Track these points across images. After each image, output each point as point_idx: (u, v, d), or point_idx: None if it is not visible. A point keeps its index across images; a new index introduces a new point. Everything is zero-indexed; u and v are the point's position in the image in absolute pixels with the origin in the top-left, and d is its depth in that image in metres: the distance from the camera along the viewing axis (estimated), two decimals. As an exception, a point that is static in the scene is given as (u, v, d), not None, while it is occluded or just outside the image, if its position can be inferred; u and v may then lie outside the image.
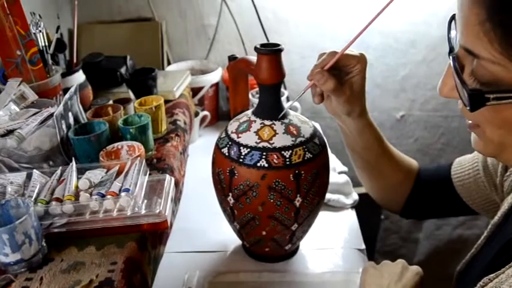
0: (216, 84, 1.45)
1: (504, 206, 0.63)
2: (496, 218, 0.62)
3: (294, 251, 0.89)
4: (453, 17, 0.51)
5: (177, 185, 0.88)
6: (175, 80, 1.23)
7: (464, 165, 0.79)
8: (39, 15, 0.94)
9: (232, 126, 0.77)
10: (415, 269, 0.67)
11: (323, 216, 0.94)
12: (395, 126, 1.64)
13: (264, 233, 0.77)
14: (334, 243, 0.92)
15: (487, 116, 0.48)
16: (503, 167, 0.71)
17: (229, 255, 0.89)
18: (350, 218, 1.00)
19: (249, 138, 0.72)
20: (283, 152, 0.71)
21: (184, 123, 1.10)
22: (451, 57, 0.48)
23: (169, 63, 1.51)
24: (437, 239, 1.86)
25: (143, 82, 1.10)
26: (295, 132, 0.73)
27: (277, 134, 0.72)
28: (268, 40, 1.46)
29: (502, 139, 0.49)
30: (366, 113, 0.78)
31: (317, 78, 0.68)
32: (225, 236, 0.91)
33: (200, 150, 1.20)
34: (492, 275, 0.51)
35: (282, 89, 1.43)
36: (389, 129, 1.65)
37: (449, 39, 0.51)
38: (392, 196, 0.87)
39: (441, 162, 1.71)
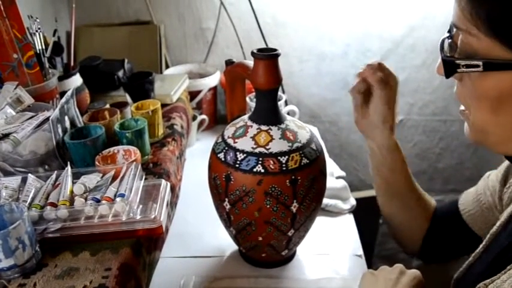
0: (214, 88, 1.45)
1: (503, 216, 0.62)
2: (495, 228, 0.62)
3: (291, 256, 0.88)
4: None
5: (173, 189, 0.87)
6: (173, 83, 1.22)
7: (469, 195, 0.80)
8: (37, 19, 0.94)
9: (229, 131, 0.77)
10: (413, 273, 0.65)
11: (320, 222, 0.93)
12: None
13: (260, 238, 0.77)
14: (331, 249, 0.91)
15: (467, 90, 0.53)
16: (501, 183, 0.71)
17: (226, 261, 0.89)
18: (348, 223, 1.00)
19: (245, 144, 0.72)
20: (279, 158, 0.70)
21: (181, 127, 1.10)
22: (445, 37, 0.54)
23: (167, 67, 1.50)
24: (436, 243, 1.85)
25: (140, 86, 1.09)
26: (291, 137, 0.73)
27: (274, 139, 0.72)
28: (266, 44, 1.46)
29: (483, 123, 0.53)
30: (395, 132, 0.81)
31: (370, 67, 0.77)
32: (221, 241, 0.91)
33: (198, 154, 1.20)
34: (487, 280, 0.52)
35: (280, 93, 1.43)
36: (388, 133, 1.64)
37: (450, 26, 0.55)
38: (410, 232, 0.87)
39: (439, 167, 1.71)
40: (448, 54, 0.52)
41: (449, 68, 0.51)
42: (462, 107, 0.58)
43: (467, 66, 0.49)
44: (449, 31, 0.54)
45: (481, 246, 0.64)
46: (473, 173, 1.72)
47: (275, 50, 0.71)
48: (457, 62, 0.50)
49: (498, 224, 0.62)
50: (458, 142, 1.66)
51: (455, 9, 0.51)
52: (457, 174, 1.73)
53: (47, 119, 0.79)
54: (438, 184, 1.75)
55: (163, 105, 1.10)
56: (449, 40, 0.53)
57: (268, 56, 0.70)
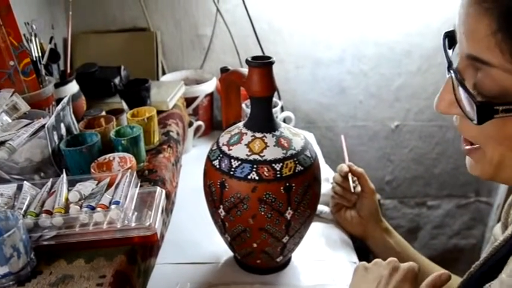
0: (211, 94, 1.45)
1: (508, 231, 0.61)
2: (497, 243, 0.61)
3: (286, 263, 0.88)
4: (447, 35, 0.50)
5: (169, 196, 0.87)
6: (169, 90, 1.23)
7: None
8: (33, 26, 0.94)
9: (224, 138, 0.77)
10: (406, 268, 0.64)
11: (315, 228, 0.94)
12: (390, 136, 1.64)
13: (255, 245, 0.77)
14: (326, 256, 0.91)
15: (491, 131, 0.46)
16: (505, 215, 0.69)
17: (221, 267, 0.89)
18: (342, 229, 1.00)
19: (240, 151, 0.72)
20: (273, 165, 0.71)
21: (177, 134, 1.10)
22: (451, 71, 0.47)
23: (164, 73, 1.51)
24: (433, 248, 1.86)
25: (137, 93, 1.10)
26: (286, 144, 0.73)
27: (268, 146, 0.72)
28: (262, 50, 1.47)
29: (501, 157, 0.48)
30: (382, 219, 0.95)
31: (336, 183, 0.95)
32: (217, 247, 0.91)
33: (194, 161, 1.19)
34: (487, 285, 0.51)
35: (276, 99, 1.44)
36: (384, 139, 1.65)
37: (446, 55, 0.49)
38: None
39: (435, 172, 1.72)
40: (479, 98, 0.44)
41: (485, 114, 0.43)
42: (467, 146, 0.51)
43: (507, 110, 0.42)
44: (449, 65, 0.48)
45: (481, 258, 0.63)
46: (468, 179, 1.72)
47: (269, 57, 0.71)
48: (496, 107, 0.42)
49: (502, 238, 0.61)
50: (454, 148, 1.67)
51: (473, 44, 0.44)
52: (453, 180, 1.74)
53: (43, 126, 0.80)
54: (434, 189, 1.76)
55: (159, 112, 1.11)
56: (456, 75, 0.46)
57: (262, 64, 0.71)
